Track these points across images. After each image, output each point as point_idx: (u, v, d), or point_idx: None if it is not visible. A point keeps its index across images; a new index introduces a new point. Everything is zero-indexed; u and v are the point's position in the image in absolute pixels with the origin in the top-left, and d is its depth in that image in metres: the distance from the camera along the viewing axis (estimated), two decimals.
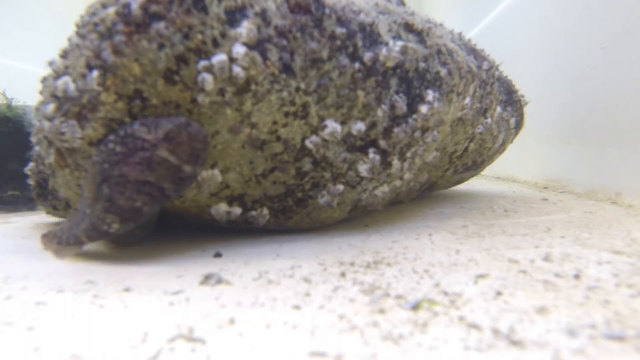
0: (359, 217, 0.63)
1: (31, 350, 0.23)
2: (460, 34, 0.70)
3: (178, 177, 0.39)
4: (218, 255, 0.43)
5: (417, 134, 0.52)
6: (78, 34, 0.41)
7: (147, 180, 0.38)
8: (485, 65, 0.67)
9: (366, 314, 0.27)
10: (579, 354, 0.21)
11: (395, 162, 0.52)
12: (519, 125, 0.84)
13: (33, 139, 0.52)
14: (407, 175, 0.57)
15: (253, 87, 0.41)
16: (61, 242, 0.42)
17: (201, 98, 0.40)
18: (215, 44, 0.39)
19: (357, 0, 0.51)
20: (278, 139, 0.45)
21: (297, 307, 0.29)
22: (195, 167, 0.40)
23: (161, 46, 0.38)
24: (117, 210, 0.38)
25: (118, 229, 0.39)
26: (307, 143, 0.46)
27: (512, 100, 0.80)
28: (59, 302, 0.30)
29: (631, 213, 0.62)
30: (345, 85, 0.46)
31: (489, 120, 0.70)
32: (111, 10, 0.39)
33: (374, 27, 0.48)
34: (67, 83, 0.40)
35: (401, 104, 0.50)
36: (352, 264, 0.38)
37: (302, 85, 0.43)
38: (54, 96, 0.42)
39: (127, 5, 0.38)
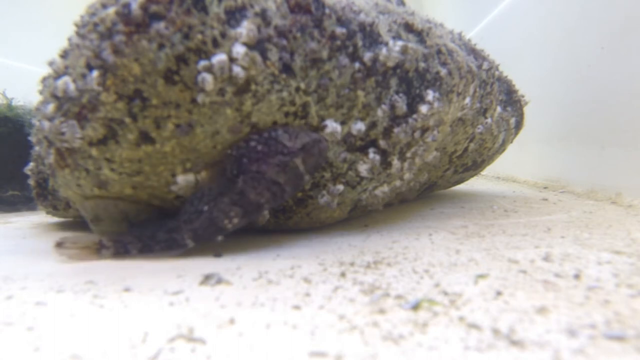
0: (359, 217, 0.63)
1: (31, 350, 0.23)
2: (460, 34, 0.70)
3: (297, 183, 0.43)
4: (218, 255, 0.43)
5: (417, 134, 0.52)
6: (78, 34, 0.41)
7: (277, 181, 0.42)
8: (485, 65, 0.67)
9: (366, 314, 0.27)
10: (579, 354, 0.21)
11: (395, 162, 0.52)
12: (519, 125, 0.84)
13: (33, 139, 0.52)
14: (407, 175, 0.57)
15: (253, 87, 0.41)
16: (128, 251, 0.42)
17: (201, 98, 0.40)
18: (215, 44, 0.39)
19: (357, 0, 0.51)
20: None
21: (297, 307, 0.29)
22: (311, 177, 0.45)
23: (161, 46, 0.38)
24: (245, 203, 0.41)
25: (237, 223, 0.42)
26: None
27: (512, 100, 0.80)
28: (59, 302, 0.30)
29: (631, 213, 0.62)
30: (345, 85, 0.46)
31: (489, 120, 0.70)
32: (111, 10, 0.39)
33: (374, 27, 0.48)
34: (67, 83, 0.40)
35: (401, 104, 0.50)
36: (352, 264, 0.38)
37: (302, 85, 0.43)
38: (54, 96, 0.42)
39: (127, 5, 0.38)
